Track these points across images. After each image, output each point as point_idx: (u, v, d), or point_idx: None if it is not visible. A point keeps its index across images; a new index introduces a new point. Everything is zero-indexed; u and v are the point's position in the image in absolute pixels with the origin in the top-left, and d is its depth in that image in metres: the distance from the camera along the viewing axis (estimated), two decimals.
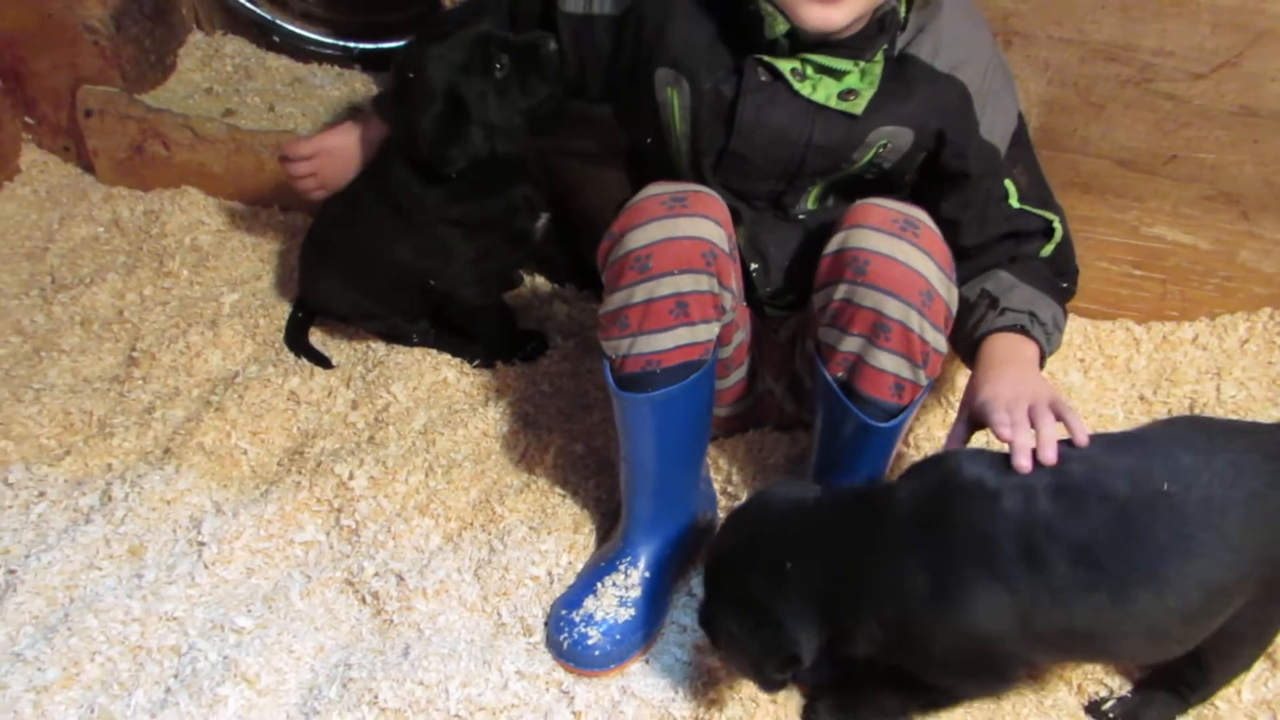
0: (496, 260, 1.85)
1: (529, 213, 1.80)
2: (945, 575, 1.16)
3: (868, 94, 1.36)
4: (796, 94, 1.37)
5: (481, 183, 1.70)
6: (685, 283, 1.30)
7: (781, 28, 1.32)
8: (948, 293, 1.31)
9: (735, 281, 1.40)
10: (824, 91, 1.36)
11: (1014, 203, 1.44)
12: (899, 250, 1.27)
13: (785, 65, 1.36)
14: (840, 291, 1.31)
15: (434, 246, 1.76)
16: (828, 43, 1.34)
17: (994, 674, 1.25)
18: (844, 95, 1.36)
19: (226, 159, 2.23)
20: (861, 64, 1.36)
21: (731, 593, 1.25)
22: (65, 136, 2.38)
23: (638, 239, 1.30)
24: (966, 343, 1.42)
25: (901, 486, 1.23)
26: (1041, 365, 1.39)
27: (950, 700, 1.33)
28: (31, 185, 2.37)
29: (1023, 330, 1.37)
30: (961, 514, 1.17)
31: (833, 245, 1.32)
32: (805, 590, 1.20)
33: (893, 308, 1.27)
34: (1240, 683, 1.37)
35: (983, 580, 1.14)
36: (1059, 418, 1.22)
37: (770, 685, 1.25)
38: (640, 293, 1.31)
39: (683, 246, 1.30)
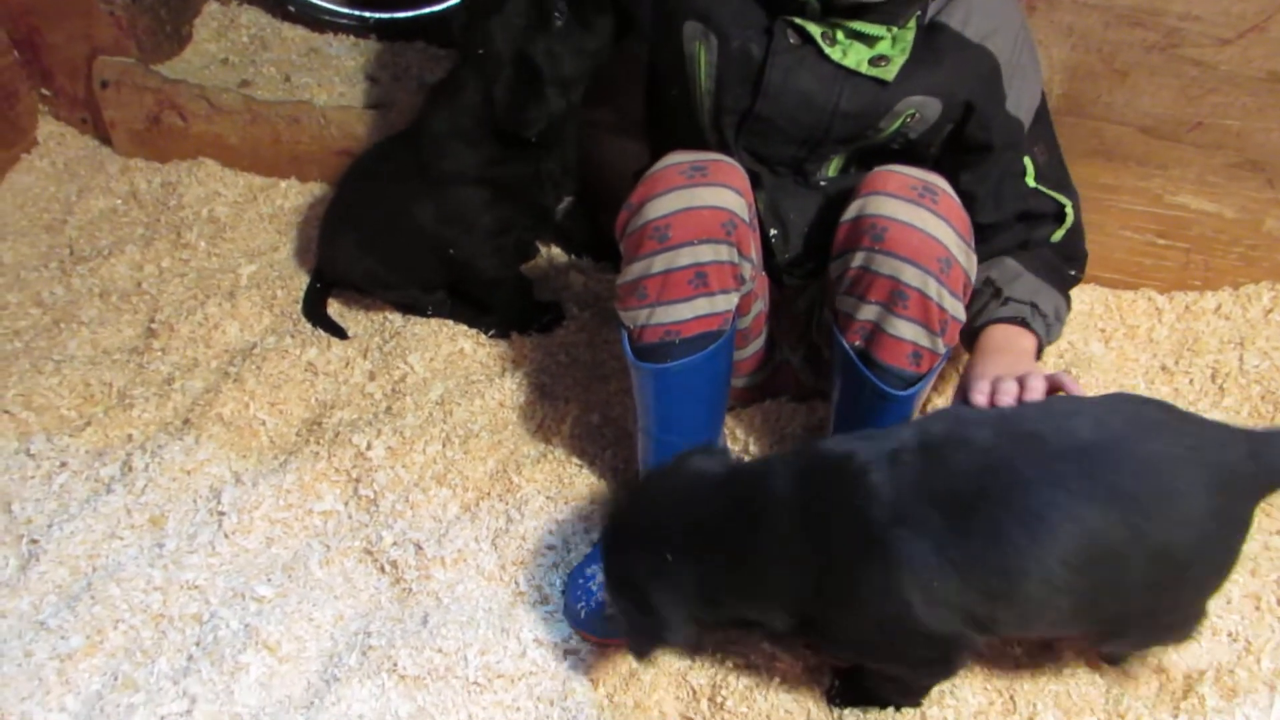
0: (515, 232, 1.84)
1: (554, 190, 1.79)
2: (831, 563, 1.14)
3: (899, 60, 1.34)
4: (825, 58, 1.35)
5: (517, 149, 1.71)
6: (705, 253, 1.29)
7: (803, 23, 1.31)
8: (966, 260, 1.30)
9: (755, 251, 1.39)
10: (855, 57, 1.34)
11: (1030, 181, 1.42)
12: (917, 217, 1.26)
13: (815, 29, 1.34)
14: (858, 259, 1.30)
15: (455, 213, 1.76)
16: (861, 7, 1.32)
17: (923, 654, 1.21)
18: (875, 61, 1.34)
19: (243, 130, 2.22)
20: (894, 30, 1.34)
21: (617, 566, 1.25)
22: (82, 108, 2.38)
23: (657, 209, 1.29)
24: (967, 330, 1.41)
25: (779, 471, 1.21)
26: (1039, 356, 1.39)
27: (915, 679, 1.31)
28: (49, 157, 2.37)
29: (1023, 322, 1.38)
30: (836, 493, 1.15)
31: (850, 212, 1.31)
32: (682, 583, 1.19)
33: (911, 275, 1.26)
34: (1260, 650, 1.36)
35: (866, 560, 1.12)
36: (1052, 387, 1.21)
37: (638, 656, 1.27)
38: (659, 263, 1.30)
39: (702, 216, 1.29)
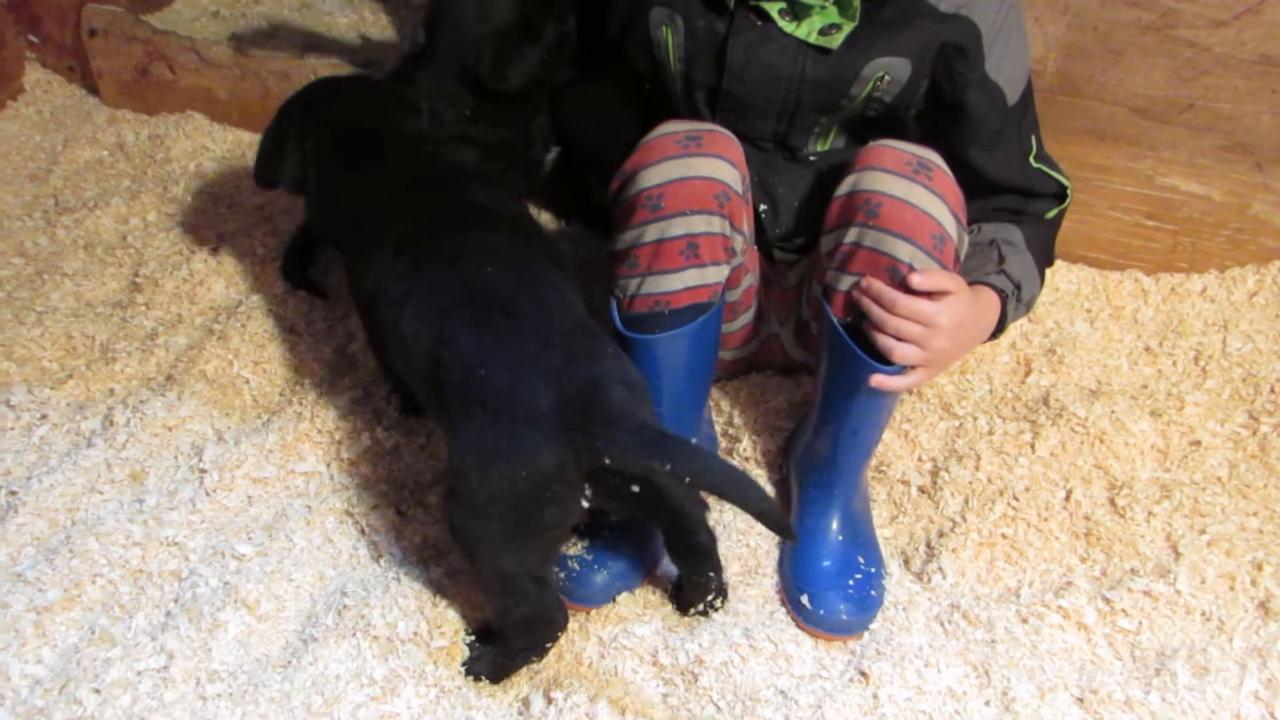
0: (506, 189, 1.83)
1: (542, 144, 1.79)
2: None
3: (848, 28, 1.34)
4: (786, 31, 1.35)
5: (505, 107, 1.70)
6: (697, 223, 1.29)
7: None
8: (958, 236, 1.30)
9: (747, 224, 1.39)
10: (806, 28, 1.34)
11: (1033, 160, 1.43)
12: (911, 193, 1.26)
13: (773, 7, 1.35)
14: (850, 234, 1.29)
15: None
16: None
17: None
18: (824, 30, 1.34)
19: (232, 84, 2.20)
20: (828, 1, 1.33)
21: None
22: (69, 56, 2.36)
23: (650, 178, 1.29)
24: None
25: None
26: (996, 334, 1.41)
27: None
28: (35, 105, 2.35)
29: (1002, 298, 1.38)
30: None
31: (844, 188, 1.31)
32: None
33: (904, 251, 1.26)
34: (1233, 630, 1.37)
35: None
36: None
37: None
38: (651, 232, 1.30)
39: (695, 186, 1.28)
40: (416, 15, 2.26)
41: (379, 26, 2.26)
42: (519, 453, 1.18)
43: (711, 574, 1.40)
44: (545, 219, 2.05)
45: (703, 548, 1.38)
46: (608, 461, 1.16)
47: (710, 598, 1.42)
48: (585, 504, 1.23)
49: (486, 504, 1.22)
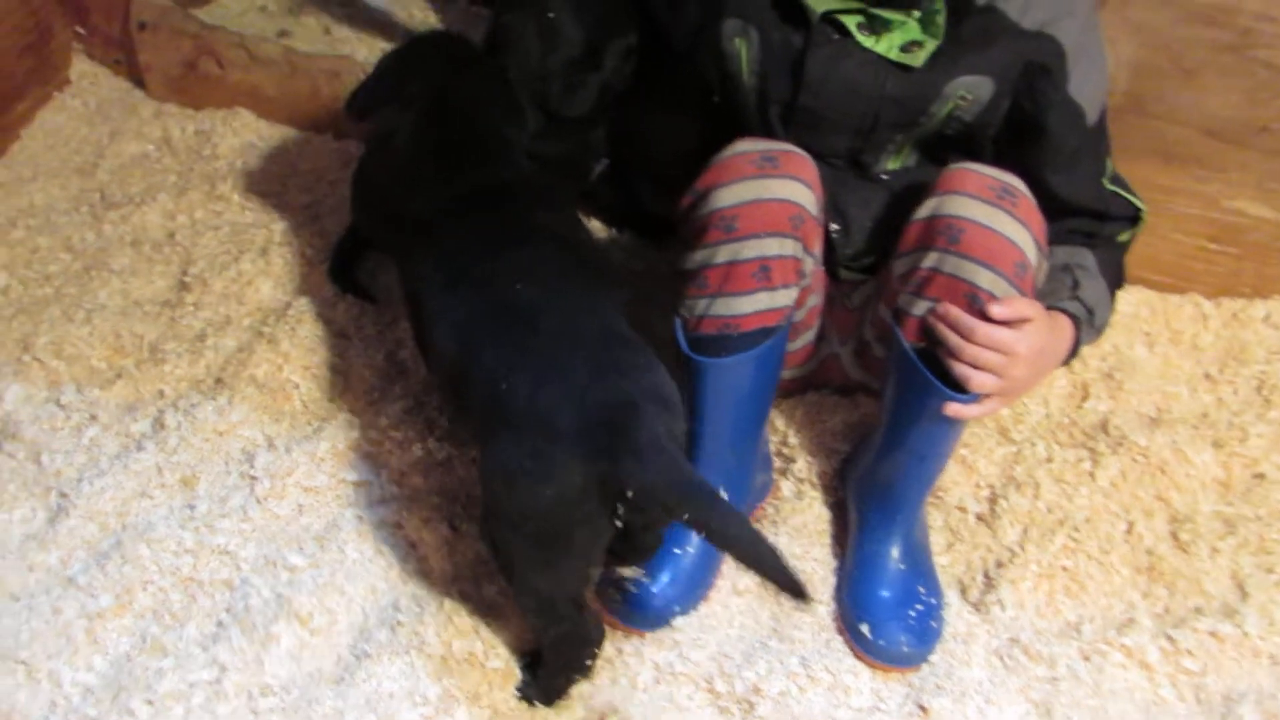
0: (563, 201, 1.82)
1: (594, 155, 1.77)
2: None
3: (931, 46, 1.31)
4: (865, 46, 1.32)
5: (565, 126, 1.68)
6: (771, 246, 1.26)
7: (819, 6, 1.30)
8: (1039, 264, 1.28)
9: (818, 246, 1.36)
10: (886, 43, 1.31)
11: (1107, 182, 1.40)
12: (995, 219, 1.23)
13: (851, 20, 1.32)
14: (929, 259, 1.27)
15: None
16: None
17: None
18: (906, 47, 1.31)
19: (281, 82, 2.18)
20: (916, 15, 1.30)
21: None
22: (117, 49, 2.34)
23: (724, 198, 1.26)
24: None
25: None
26: (1068, 360, 1.38)
27: None
28: (81, 98, 2.33)
29: (1076, 324, 1.36)
30: None
31: (924, 211, 1.28)
32: None
33: (985, 279, 1.23)
34: None
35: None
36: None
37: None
38: (723, 254, 1.27)
39: (771, 209, 1.26)
40: (463, 16, 2.24)
41: (428, 25, 2.24)
42: (543, 471, 1.15)
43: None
44: (594, 227, 2.03)
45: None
46: (630, 495, 1.13)
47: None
48: (619, 524, 1.19)
49: (518, 520, 1.19)
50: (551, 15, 1.58)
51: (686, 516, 1.12)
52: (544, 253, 1.39)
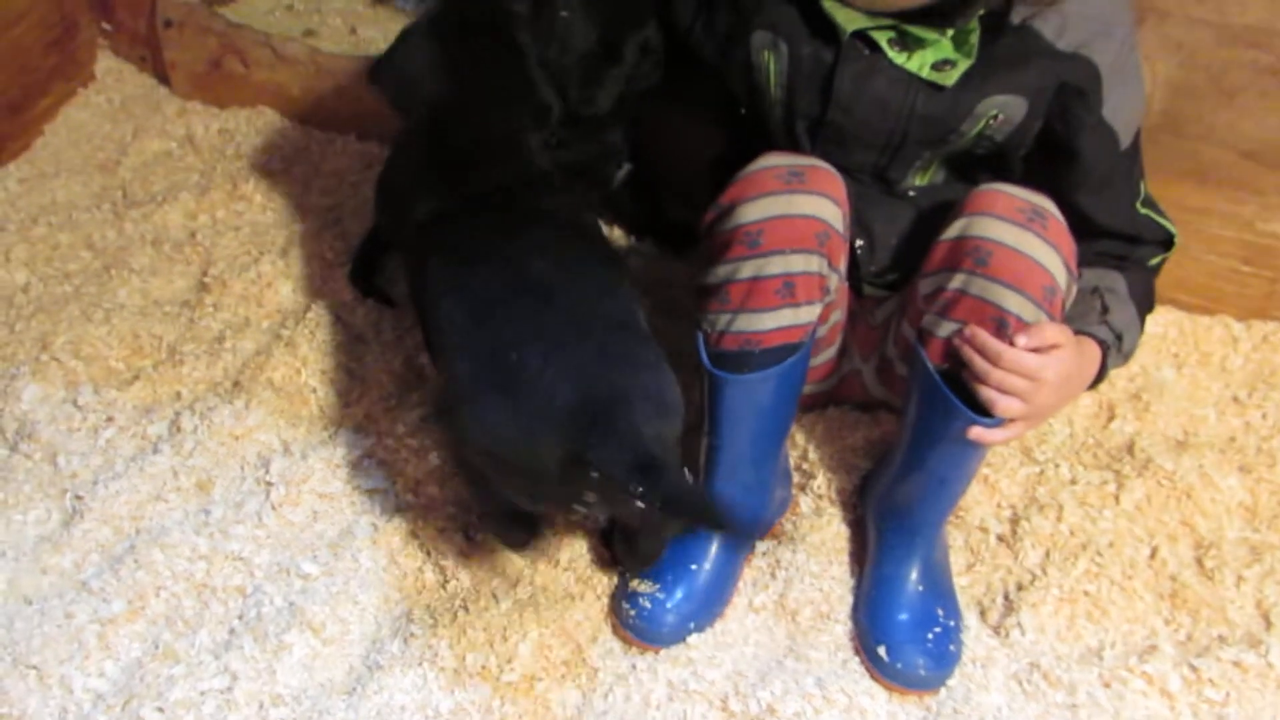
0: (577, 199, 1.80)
1: (616, 161, 1.75)
2: None
3: (964, 65, 1.28)
4: (896, 63, 1.30)
5: (586, 128, 1.65)
6: (796, 263, 1.25)
7: (850, 25, 1.28)
8: (1068, 288, 1.25)
9: (843, 262, 1.34)
10: (918, 61, 1.29)
11: (1140, 206, 1.37)
12: (1025, 242, 1.21)
13: (883, 36, 1.29)
14: (956, 280, 1.24)
15: None
16: (913, 12, 1.27)
17: None
18: (938, 66, 1.29)
19: (305, 81, 2.18)
20: (949, 33, 1.28)
21: None
22: (142, 46, 2.34)
23: (749, 213, 1.25)
24: None
25: None
26: (1094, 385, 1.36)
27: None
28: (106, 94, 2.33)
29: (1104, 350, 1.34)
30: None
31: (952, 231, 1.26)
32: None
33: (1013, 302, 1.21)
34: None
35: None
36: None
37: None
38: (747, 269, 1.26)
39: (797, 225, 1.24)
40: None
41: None
42: (524, 442, 1.17)
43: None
44: (615, 235, 2.01)
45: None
46: (594, 475, 1.14)
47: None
48: (584, 508, 1.22)
49: (479, 471, 1.26)
50: (565, 14, 1.56)
51: (640, 490, 1.12)
52: (562, 235, 1.40)
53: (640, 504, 1.14)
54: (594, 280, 1.33)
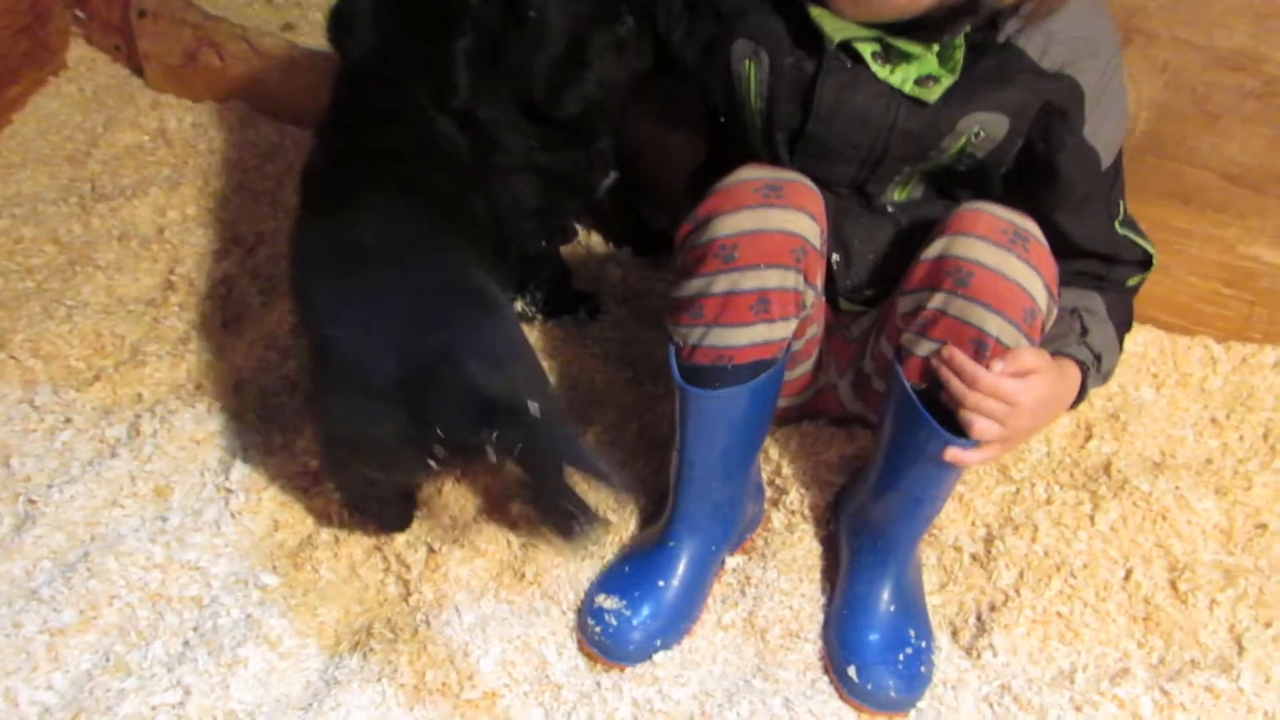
0: (561, 213, 1.77)
1: (602, 168, 1.72)
2: None
3: (947, 81, 1.26)
4: (879, 77, 1.28)
5: (569, 133, 1.63)
6: (771, 278, 1.22)
7: (836, 34, 1.26)
8: (1048, 311, 1.24)
9: (820, 277, 1.32)
10: (901, 75, 1.27)
11: (1119, 226, 1.36)
12: (1006, 264, 1.19)
13: (867, 48, 1.27)
14: (936, 300, 1.23)
15: (503, 197, 1.68)
16: (900, 24, 1.25)
17: None
18: (921, 81, 1.27)
19: (282, 76, 2.14)
20: (935, 48, 1.26)
21: None
22: (116, 35, 2.30)
23: (725, 226, 1.22)
24: None
25: None
26: (1074, 406, 1.35)
27: None
28: (78, 83, 2.29)
29: (1083, 371, 1.33)
30: None
31: (933, 250, 1.24)
32: None
33: (993, 324, 1.19)
34: None
35: None
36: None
37: None
38: (721, 283, 1.23)
39: (773, 240, 1.22)
40: None
41: None
42: (362, 425, 1.22)
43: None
44: (595, 241, 1.99)
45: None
46: (440, 434, 1.17)
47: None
48: (436, 466, 1.24)
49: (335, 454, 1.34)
50: (533, 13, 1.53)
51: (495, 436, 1.16)
52: (412, 202, 1.41)
53: (497, 453, 1.18)
54: (424, 246, 1.35)
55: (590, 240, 1.99)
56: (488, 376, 1.19)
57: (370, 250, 1.31)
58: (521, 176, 1.65)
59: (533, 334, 1.79)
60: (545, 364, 1.71)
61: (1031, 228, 1.23)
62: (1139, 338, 1.81)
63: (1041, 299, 1.21)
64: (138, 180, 2.05)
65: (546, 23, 1.53)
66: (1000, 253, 1.19)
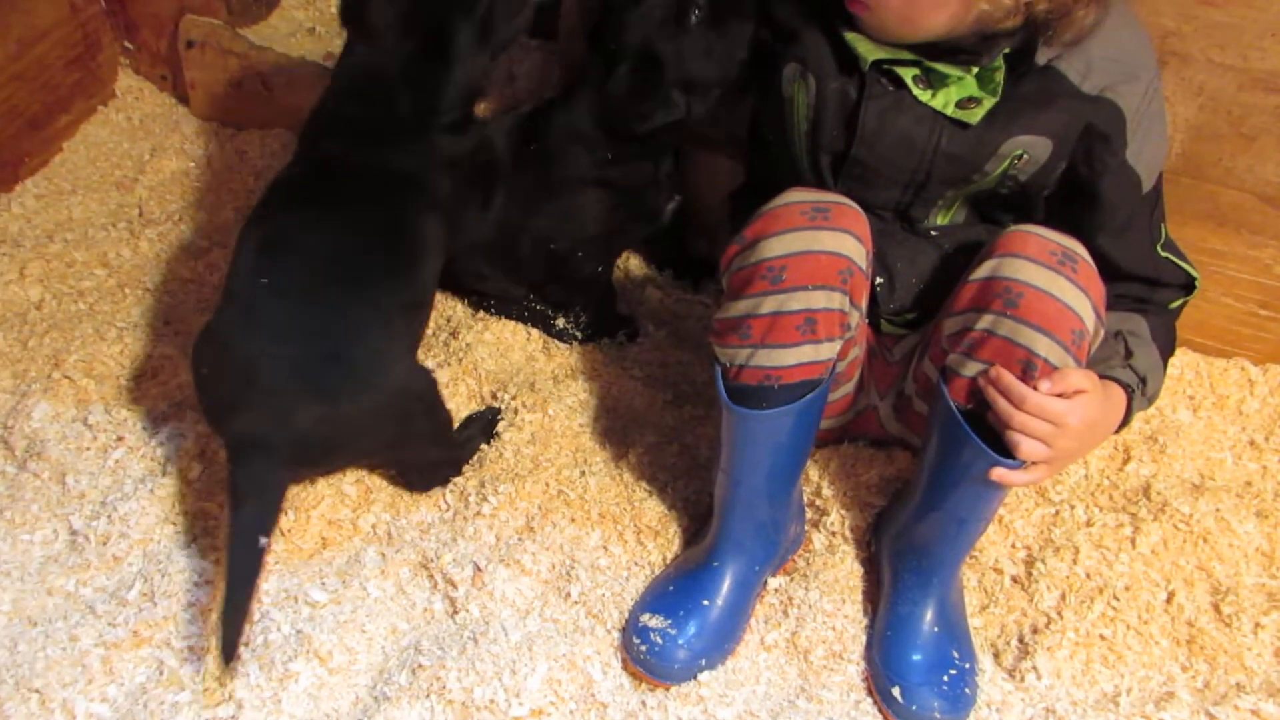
0: (625, 235, 1.79)
1: (668, 191, 1.74)
2: None
3: (989, 103, 1.28)
4: (921, 100, 1.30)
5: (638, 151, 1.65)
6: (818, 299, 1.24)
7: (870, 56, 1.28)
8: (1095, 332, 1.24)
9: (865, 299, 1.34)
10: (943, 99, 1.29)
11: (1160, 249, 1.37)
12: (1055, 285, 1.20)
13: (907, 73, 1.29)
14: (984, 321, 1.23)
15: (569, 213, 1.69)
16: (937, 48, 1.28)
17: None
18: (963, 103, 1.29)
19: None
20: (974, 70, 1.28)
21: None
22: (163, 65, 2.34)
23: (773, 248, 1.24)
24: None
25: None
26: (1119, 429, 1.34)
27: None
28: (125, 112, 2.33)
29: (1129, 394, 1.32)
30: None
31: (982, 272, 1.25)
32: None
33: (1042, 345, 1.20)
34: None
35: None
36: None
37: None
38: (769, 304, 1.25)
39: (820, 261, 1.23)
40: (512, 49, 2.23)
41: None
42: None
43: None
44: (634, 265, 2.01)
45: None
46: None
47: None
48: None
49: None
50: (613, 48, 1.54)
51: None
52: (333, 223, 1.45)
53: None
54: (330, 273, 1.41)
55: (629, 264, 2.00)
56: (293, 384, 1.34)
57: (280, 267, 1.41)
58: (593, 193, 1.66)
59: (572, 356, 1.81)
60: (585, 386, 1.73)
61: (1080, 250, 1.24)
62: (1176, 360, 1.81)
63: (1090, 321, 1.22)
64: (183, 205, 2.09)
65: (622, 44, 1.53)
66: (1050, 274, 1.20)
